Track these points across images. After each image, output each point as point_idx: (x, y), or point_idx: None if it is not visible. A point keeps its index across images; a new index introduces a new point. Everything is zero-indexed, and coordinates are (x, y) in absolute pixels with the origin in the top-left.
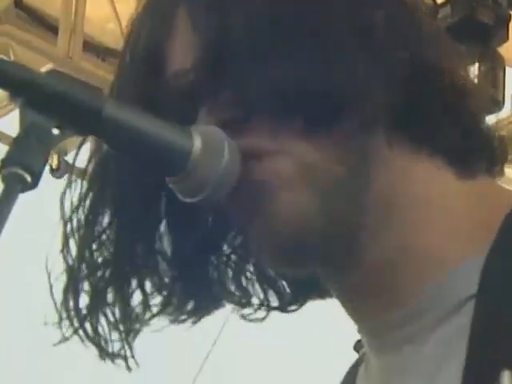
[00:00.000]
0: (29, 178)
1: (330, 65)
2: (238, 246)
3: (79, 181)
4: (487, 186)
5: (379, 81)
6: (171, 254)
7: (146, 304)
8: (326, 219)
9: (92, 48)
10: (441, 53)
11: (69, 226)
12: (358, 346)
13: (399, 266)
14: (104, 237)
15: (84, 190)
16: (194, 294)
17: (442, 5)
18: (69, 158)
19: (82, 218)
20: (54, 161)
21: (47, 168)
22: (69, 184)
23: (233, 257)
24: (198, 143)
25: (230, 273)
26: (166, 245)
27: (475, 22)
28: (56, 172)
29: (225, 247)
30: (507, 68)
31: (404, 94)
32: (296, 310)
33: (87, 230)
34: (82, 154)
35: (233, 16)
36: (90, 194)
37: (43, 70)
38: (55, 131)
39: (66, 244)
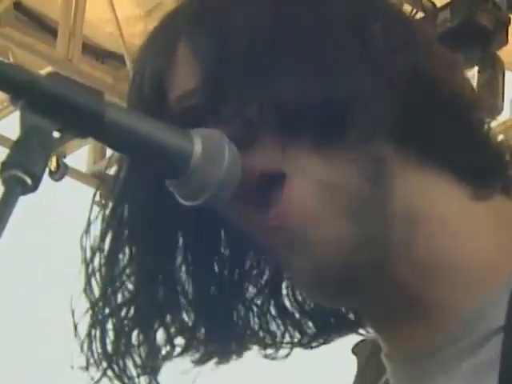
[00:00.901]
0: (29, 181)
1: (332, 77)
2: (262, 286)
3: (98, 219)
4: (504, 205)
5: (381, 92)
6: (193, 295)
7: (170, 343)
8: (367, 242)
9: (91, 50)
10: (441, 64)
11: (90, 266)
12: (355, 349)
13: (434, 287)
14: (125, 277)
15: (102, 230)
16: (217, 336)
17: (442, 8)
18: (67, 160)
19: (103, 258)
20: (52, 163)
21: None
22: (88, 225)
23: (256, 297)
24: (198, 146)
25: (254, 313)
26: (188, 285)
27: (475, 25)
28: (54, 174)
29: (248, 287)
30: (506, 72)
31: (409, 106)
32: (318, 346)
33: (108, 271)
34: (80, 155)
35: (232, 37)
36: (108, 235)
37: (43, 72)
38: (56, 134)
39: (88, 284)
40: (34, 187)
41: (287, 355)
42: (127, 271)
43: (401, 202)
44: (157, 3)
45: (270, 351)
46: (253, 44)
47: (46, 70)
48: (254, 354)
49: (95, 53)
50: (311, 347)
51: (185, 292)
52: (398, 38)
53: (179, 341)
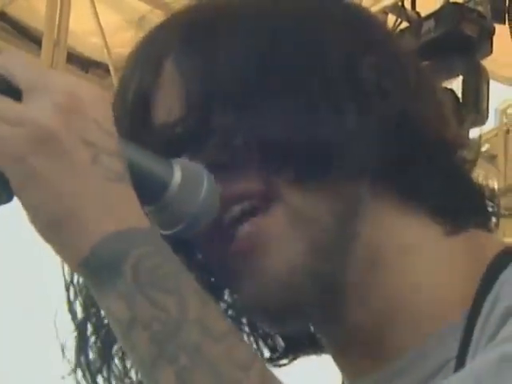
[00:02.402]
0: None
1: (317, 115)
2: (234, 303)
3: None
4: (474, 239)
5: (367, 132)
6: None
7: None
8: (315, 277)
9: (76, 60)
10: (430, 103)
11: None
12: None
13: (385, 328)
14: None
15: None
16: None
17: (426, 18)
18: None
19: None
20: None
21: None
22: None
23: (229, 312)
24: (177, 176)
25: None
26: None
27: (459, 35)
28: None
29: (220, 303)
30: (491, 81)
31: (391, 146)
32: (287, 364)
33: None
34: None
35: (219, 67)
36: None
37: None
38: None
39: (70, 307)
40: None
41: None
42: None
43: (365, 242)
44: (142, 14)
45: None
46: (240, 76)
47: None
48: None
49: (80, 62)
50: (279, 365)
51: None
52: (389, 76)
53: None
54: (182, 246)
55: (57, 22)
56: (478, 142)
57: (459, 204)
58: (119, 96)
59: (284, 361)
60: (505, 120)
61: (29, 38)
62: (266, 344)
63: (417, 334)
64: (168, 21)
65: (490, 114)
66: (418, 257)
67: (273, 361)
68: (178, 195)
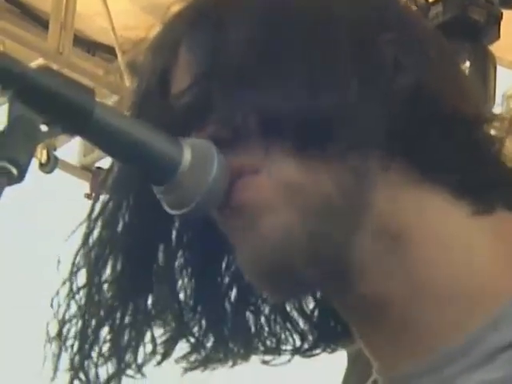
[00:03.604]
0: (15, 171)
1: (319, 89)
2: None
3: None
4: (505, 219)
5: (372, 105)
6: (195, 303)
7: (170, 347)
8: (313, 241)
9: (82, 43)
10: (449, 78)
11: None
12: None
13: (417, 306)
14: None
15: (86, 249)
16: (226, 343)
17: (434, 3)
18: (58, 153)
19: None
20: (42, 155)
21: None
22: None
23: (263, 303)
24: (187, 155)
25: (262, 319)
26: (193, 293)
27: (467, 19)
28: (45, 167)
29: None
30: (498, 66)
31: (405, 121)
32: (317, 354)
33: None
34: (71, 148)
35: (224, 48)
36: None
37: (34, 64)
38: (43, 127)
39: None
40: (20, 178)
41: (287, 362)
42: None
43: (380, 215)
44: None
45: (270, 357)
46: (244, 55)
47: (37, 63)
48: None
49: (86, 45)
50: (310, 355)
51: (191, 299)
52: (408, 52)
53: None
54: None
55: (64, 5)
56: (510, 119)
57: (484, 181)
58: (140, 82)
59: (316, 351)
60: (511, 106)
61: (36, 20)
62: (296, 332)
63: (464, 318)
64: (180, 11)
65: (497, 100)
66: (448, 239)
67: (303, 351)
68: (189, 175)
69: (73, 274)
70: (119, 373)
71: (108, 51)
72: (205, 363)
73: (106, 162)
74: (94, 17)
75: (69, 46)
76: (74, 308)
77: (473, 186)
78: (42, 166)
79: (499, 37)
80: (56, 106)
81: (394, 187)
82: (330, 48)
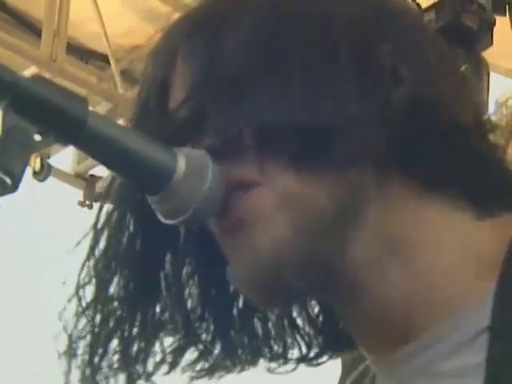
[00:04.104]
0: (9, 181)
1: (316, 102)
2: None
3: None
4: (506, 224)
5: (370, 118)
6: (202, 311)
7: (178, 355)
8: (304, 255)
9: (75, 50)
10: (449, 87)
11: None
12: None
13: (410, 307)
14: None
15: (94, 262)
16: (234, 349)
17: (427, 9)
18: (51, 161)
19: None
20: (36, 163)
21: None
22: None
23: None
24: (182, 164)
25: (269, 325)
26: (199, 299)
27: (460, 26)
28: (38, 175)
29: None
30: (491, 72)
31: (404, 133)
32: (323, 362)
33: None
34: (64, 155)
35: (217, 55)
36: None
37: (27, 72)
38: (37, 137)
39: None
40: (14, 187)
41: (292, 370)
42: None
43: (378, 228)
44: (143, 4)
45: (275, 364)
46: (238, 66)
47: (30, 70)
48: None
49: (79, 53)
50: (316, 363)
51: (199, 307)
52: (407, 61)
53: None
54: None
55: (57, 12)
56: (510, 127)
57: (487, 189)
58: (139, 93)
59: (322, 359)
60: (505, 112)
61: (28, 28)
62: (303, 339)
63: (445, 313)
64: (180, 18)
65: (490, 106)
66: (446, 242)
67: (309, 359)
68: (183, 184)
69: (79, 287)
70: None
71: (101, 59)
72: (212, 371)
73: (99, 170)
74: (87, 23)
75: (62, 53)
76: (82, 322)
77: (475, 193)
78: (35, 173)
79: (492, 43)
80: (49, 115)
81: (391, 199)
82: (328, 60)
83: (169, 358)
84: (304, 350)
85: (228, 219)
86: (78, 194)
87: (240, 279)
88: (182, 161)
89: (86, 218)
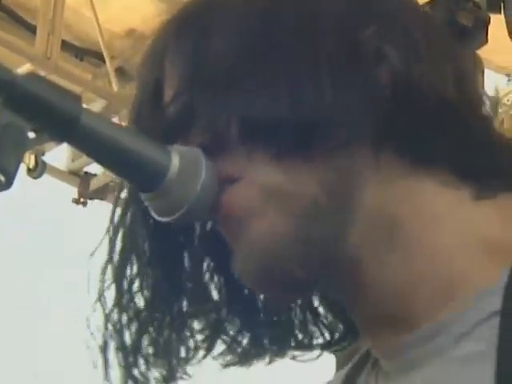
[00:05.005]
0: (2, 178)
1: (299, 92)
2: None
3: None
4: (509, 203)
5: (356, 102)
6: (228, 303)
7: (208, 346)
8: (302, 244)
9: (70, 48)
10: (435, 63)
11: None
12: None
13: (412, 292)
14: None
15: (118, 262)
16: (261, 341)
17: (422, 7)
18: (45, 158)
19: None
20: (30, 161)
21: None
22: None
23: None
24: (175, 162)
25: (295, 316)
26: (226, 293)
27: (454, 24)
28: (33, 172)
29: None
30: (486, 70)
31: (392, 110)
32: (346, 346)
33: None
34: (59, 153)
35: (207, 51)
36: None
37: (21, 69)
38: (31, 134)
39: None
40: (8, 185)
41: (316, 358)
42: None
43: (374, 212)
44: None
45: (300, 353)
46: (223, 63)
47: (25, 67)
48: None
49: (74, 50)
50: (339, 348)
51: (225, 299)
52: (392, 42)
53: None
54: (184, 229)
55: (52, 10)
56: (496, 99)
57: (481, 164)
58: (135, 97)
59: (344, 343)
60: (499, 110)
61: (23, 25)
62: (325, 326)
63: (451, 299)
64: (168, 19)
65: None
66: (444, 222)
67: (332, 344)
68: (177, 181)
69: (102, 292)
70: (172, 374)
71: (96, 56)
72: (241, 360)
73: (94, 168)
74: (83, 21)
75: (57, 50)
76: (109, 326)
77: (467, 169)
78: (29, 171)
79: (487, 41)
80: (43, 112)
81: (385, 180)
82: (311, 51)
83: (202, 345)
84: (327, 336)
85: (219, 216)
86: (73, 192)
87: (241, 273)
88: (175, 158)
89: (80, 215)
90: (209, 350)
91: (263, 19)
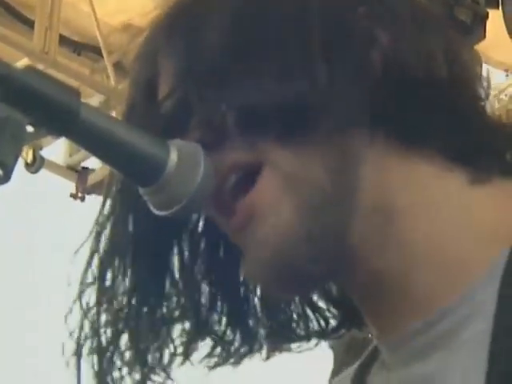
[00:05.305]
0: (0, 172)
1: (291, 77)
2: None
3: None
4: (505, 187)
5: (349, 84)
6: (221, 299)
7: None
8: (313, 238)
9: (68, 42)
10: (426, 44)
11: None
12: (332, 344)
13: (411, 280)
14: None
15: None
16: (251, 337)
17: None
18: (43, 153)
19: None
20: (28, 155)
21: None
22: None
23: None
24: (174, 156)
25: (292, 307)
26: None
27: (453, 20)
28: (31, 167)
29: None
30: (484, 65)
31: (385, 94)
32: (343, 334)
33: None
34: (56, 147)
35: (199, 46)
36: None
37: (19, 64)
38: (29, 128)
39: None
40: (6, 179)
41: (313, 347)
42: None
43: (372, 193)
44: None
45: (297, 344)
46: (216, 56)
47: (22, 62)
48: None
49: (72, 45)
50: (336, 336)
51: (210, 297)
52: (381, 23)
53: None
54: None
55: (49, 5)
56: (488, 77)
57: (474, 146)
58: (130, 93)
59: (341, 331)
60: (497, 105)
61: (21, 20)
62: (321, 315)
63: (448, 284)
64: (159, 17)
65: None
66: (438, 204)
67: (329, 332)
68: (176, 175)
69: (83, 290)
70: (145, 377)
71: (94, 51)
72: (233, 358)
73: (91, 162)
74: (81, 16)
75: (54, 45)
76: (87, 323)
77: (461, 151)
78: (27, 165)
79: (485, 37)
80: (42, 107)
81: (381, 161)
82: (302, 38)
83: (182, 349)
84: (323, 325)
85: (235, 219)
86: (71, 187)
87: (255, 274)
88: (174, 152)
89: (78, 210)
90: (187, 354)
91: (251, 9)
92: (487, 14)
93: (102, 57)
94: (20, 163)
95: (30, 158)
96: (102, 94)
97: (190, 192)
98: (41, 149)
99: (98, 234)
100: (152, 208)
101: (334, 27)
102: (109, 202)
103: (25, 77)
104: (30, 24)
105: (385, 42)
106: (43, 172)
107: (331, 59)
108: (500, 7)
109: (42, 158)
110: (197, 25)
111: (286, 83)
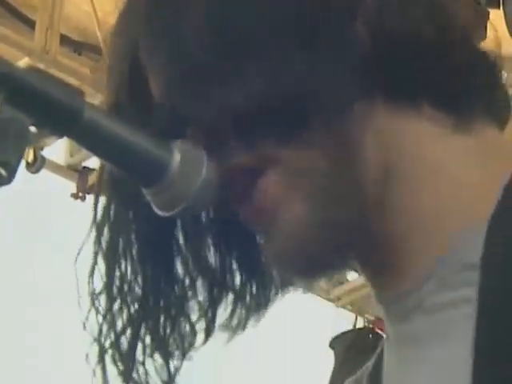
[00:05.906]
0: (4, 173)
1: (277, 73)
2: None
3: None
4: (490, 139)
5: (338, 64)
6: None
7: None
8: (327, 227)
9: (69, 42)
10: (410, 6)
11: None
12: (333, 343)
13: (403, 244)
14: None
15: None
16: (264, 285)
17: None
18: (44, 153)
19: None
20: (29, 155)
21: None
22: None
23: None
24: (176, 157)
25: None
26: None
27: None
28: (31, 166)
29: None
30: None
31: (375, 61)
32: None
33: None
34: (57, 147)
35: (178, 52)
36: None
37: (20, 64)
38: (32, 129)
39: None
40: (9, 179)
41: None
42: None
43: (377, 168)
44: None
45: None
46: (198, 57)
47: (23, 62)
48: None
49: (73, 44)
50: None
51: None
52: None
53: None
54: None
55: (50, 4)
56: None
57: (457, 92)
58: (109, 83)
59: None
60: None
61: (22, 19)
62: None
63: (435, 241)
64: (130, 10)
65: None
66: (426, 161)
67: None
68: (179, 176)
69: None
70: (167, 361)
71: (94, 50)
72: (250, 315)
73: (92, 162)
74: (81, 15)
75: (55, 45)
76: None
77: (448, 93)
78: (28, 165)
79: (486, 37)
80: (45, 107)
81: (381, 129)
82: (282, 31)
83: (201, 324)
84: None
85: (253, 206)
86: (71, 187)
87: (277, 267)
88: (177, 153)
89: (79, 210)
90: (209, 331)
91: (226, 7)
92: (488, 13)
93: (103, 56)
94: (21, 163)
95: (30, 158)
96: (102, 93)
97: (192, 193)
98: (42, 149)
99: (99, 235)
100: (155, 208)
101: (310, 10)
102: (104, 201)
103: (28, 77)
104: (30, 24)
105: (368, 12)
106: (44, 172)
107: (312, 41)
108: (501, 7)
109: (43, 158)
110: (178, 23)
111: (270, 80)
